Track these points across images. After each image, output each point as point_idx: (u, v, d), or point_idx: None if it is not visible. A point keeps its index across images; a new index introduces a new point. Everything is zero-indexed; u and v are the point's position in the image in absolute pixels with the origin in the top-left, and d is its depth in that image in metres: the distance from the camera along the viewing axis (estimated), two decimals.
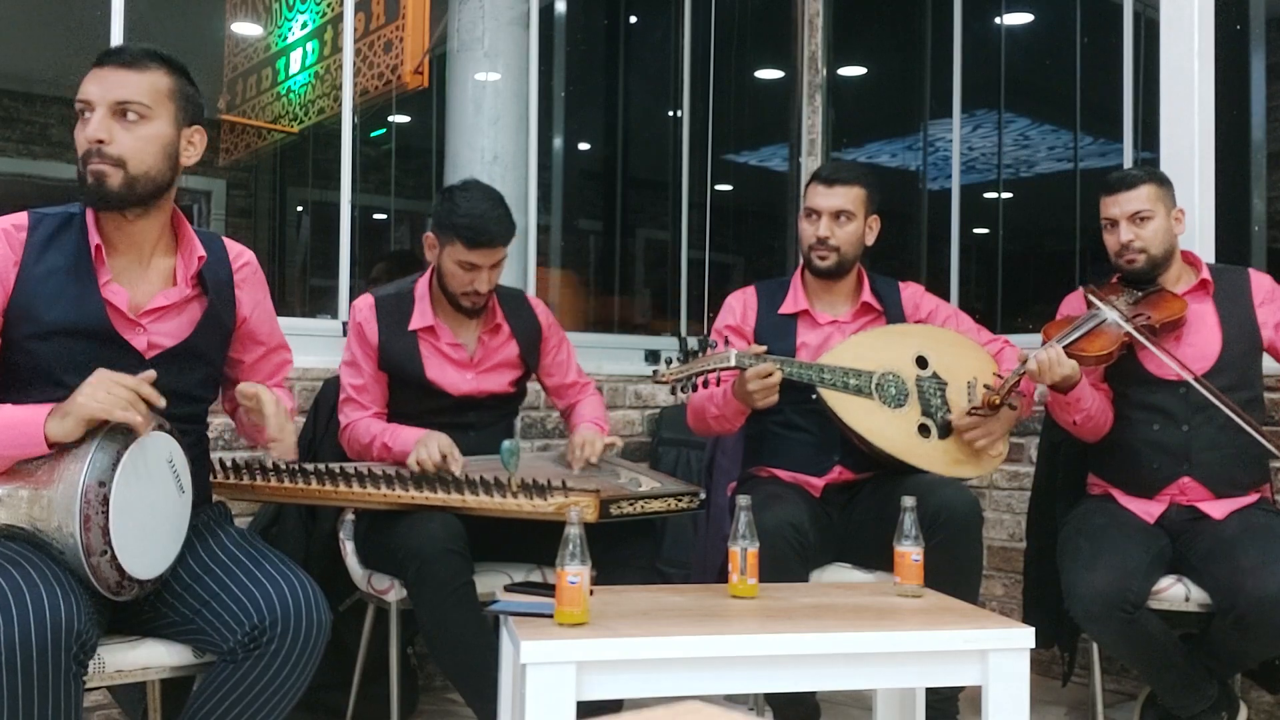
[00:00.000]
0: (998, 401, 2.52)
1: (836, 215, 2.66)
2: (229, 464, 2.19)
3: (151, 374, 1.73)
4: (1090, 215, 2.69)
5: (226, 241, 2.04)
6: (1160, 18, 3.09)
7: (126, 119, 1.80)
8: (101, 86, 1.80)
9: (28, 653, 1.54)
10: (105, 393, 1.65)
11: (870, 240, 2.73)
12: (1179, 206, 2.58)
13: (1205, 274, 2.60)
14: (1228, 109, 3.06)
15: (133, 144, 1.80)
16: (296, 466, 2.28)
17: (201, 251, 1.94)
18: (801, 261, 2.80)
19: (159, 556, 1.77)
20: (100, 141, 1.78)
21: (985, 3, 4.21)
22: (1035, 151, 4.65)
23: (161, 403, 1.71)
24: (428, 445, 2.35)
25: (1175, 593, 2.41)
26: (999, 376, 2.59)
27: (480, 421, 2.61)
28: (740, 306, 2.80)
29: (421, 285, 2.61)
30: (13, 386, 1.80)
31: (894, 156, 5.08)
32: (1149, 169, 2.64)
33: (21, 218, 1.85)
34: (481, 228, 2.44)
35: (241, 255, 2.05)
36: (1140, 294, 2.56)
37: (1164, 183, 2.57)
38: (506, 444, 2.37)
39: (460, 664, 2.29)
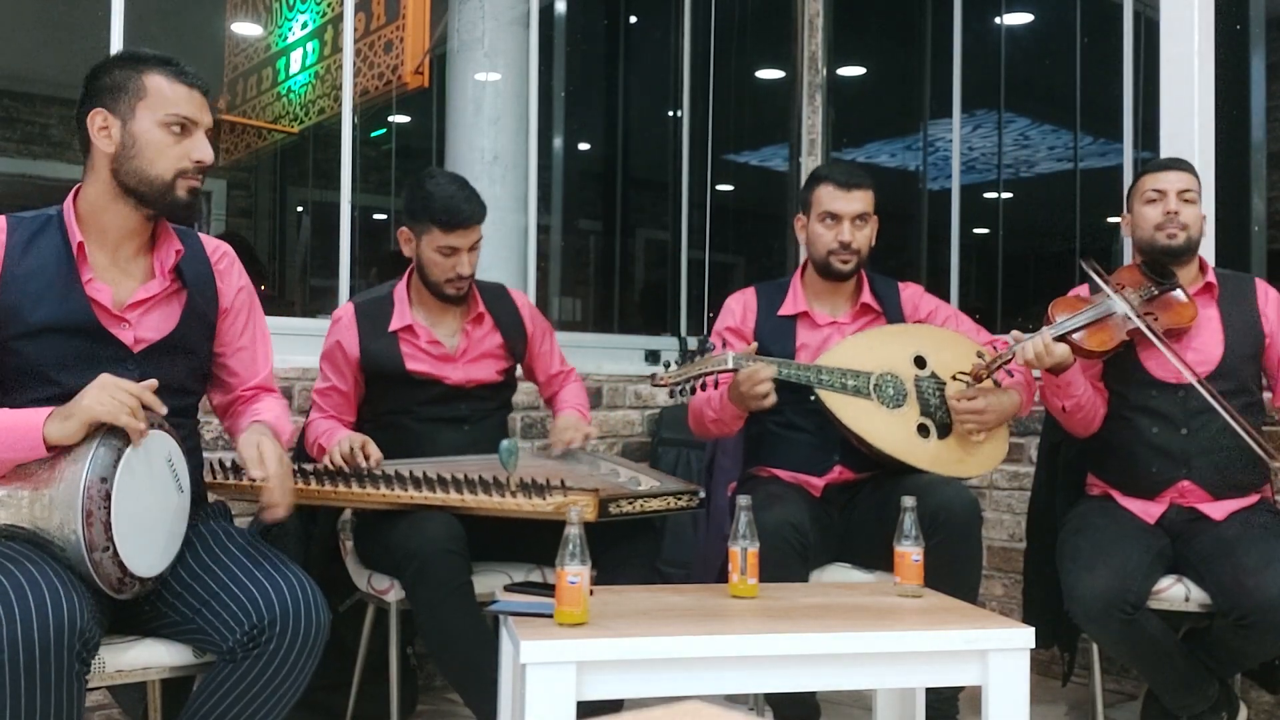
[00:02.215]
0: (984, 375, 2.52)
1: (855, 219, 2.66)
2: (229, 464, 2.18)
3: (154, 383, 1.76)
4: (1090, 215, 2.68)
5: (203, 237, 2.10)
6: (1160, 18, 3.09)
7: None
8: (200, 111, 1.93)
9: (30, 650, 1.55)
10: (110, 397, 1.69)
11: (873, 240, 2.74)
12: (1202, 213, 2.61)
13: (1211, 277, 2.60)
14: (1228, 109, 3.07)
15: (208, 165, 1.96)
16: (296, 467, 2.28)
17: (179, 245, 1.99)
18: (801, 262, 2.79)
19: (159, 554, 1.78)
20: (210, 164, 1.93)
21: (985, 3, 4.21)
22: (1035, 151, 4.65)
23: (163, 410, 1.76)
24: (341, 442, 2.38)
25: (1175, 593, 2.41)
26: (994, 348, 2.58)
27: (474, 414, 2.63)
28: (740, 308, 2.79)
29: (400, 288, 2.65)
30: (3, 387, 1.83)
31: (894, 156, 5.08)
32: None
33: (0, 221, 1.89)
34: (455, 208, 2.48)
35: (219, 248, 2.10)
36: (1156, 291, 2.55)
37: (1200, 182, 2.62)
38: (505, 443, 2.38)
39: (460, 664, 2.29)
